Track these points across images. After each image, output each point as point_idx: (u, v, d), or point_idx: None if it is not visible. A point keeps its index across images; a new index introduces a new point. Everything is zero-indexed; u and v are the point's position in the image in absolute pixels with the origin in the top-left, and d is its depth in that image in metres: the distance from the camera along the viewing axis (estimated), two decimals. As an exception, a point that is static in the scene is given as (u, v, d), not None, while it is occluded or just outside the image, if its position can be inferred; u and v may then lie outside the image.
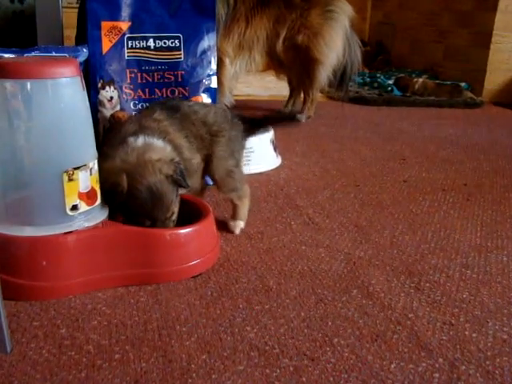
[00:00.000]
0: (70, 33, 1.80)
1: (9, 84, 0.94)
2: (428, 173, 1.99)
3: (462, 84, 4.08)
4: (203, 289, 1.08)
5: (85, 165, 1.03)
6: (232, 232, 1.34)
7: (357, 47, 2.95)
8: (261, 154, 1.83)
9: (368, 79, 4.37)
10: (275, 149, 1.95)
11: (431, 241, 1.37)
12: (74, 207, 1.03)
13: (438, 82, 4.07)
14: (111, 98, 1.50)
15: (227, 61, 2.52)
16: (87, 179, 1.04)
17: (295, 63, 2.74)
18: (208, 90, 1.61)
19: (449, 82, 4.06)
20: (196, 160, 1.30)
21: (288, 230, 1.38)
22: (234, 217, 1.37)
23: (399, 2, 5.38)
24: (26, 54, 1.31)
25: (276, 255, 1.24)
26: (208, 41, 1.61)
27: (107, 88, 1.50)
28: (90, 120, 1.07)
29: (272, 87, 4.03)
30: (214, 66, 1.61)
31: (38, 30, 1.65)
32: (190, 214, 1.24)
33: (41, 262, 1.01)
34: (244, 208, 1.37)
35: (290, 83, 3.07)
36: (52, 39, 1.66)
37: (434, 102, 3.75)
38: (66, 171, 1.00)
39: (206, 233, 1.16)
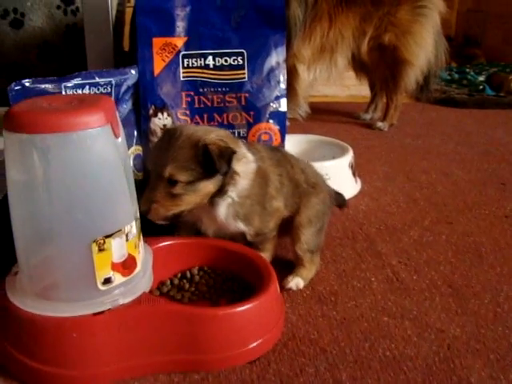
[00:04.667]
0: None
1: (25, 138, 0.76)
2: (535, 204, 1.68)
3: None
4: (260, 382, 0.87)
5: (119, 230, 0.84)
6: (285, 286, 1.13)
7: (443, 44, 2.64)
8: (338, 181, 1.58)
9: (456, 75, 3.99)
10: (354, 173, 1.71)
11: (548, 311, 1.09)
12: (107, 281, 0.85)
13: (538, 79, 3.63)
14: (164, 126, 1.30)
15: (303, 68, 2.28)
16: (122, 247, 0.86)
17: (380, 65, 2.47)
18: (276, 116, 1.38)
19: (550, 80, 3.62)
20: (277, 203, 1.12)
21: (368, 291, 1.15)
22: (297, 273, 1.15)
23: (492, -13, 4.89)
24: (63, 84, 1.14)
25: (352, 331, 1.01)
26: (277, 57, 1.37)
27: (160, 115, 1.31)
28: (128, 173, 0.88)
29: (351, 86, 3.74)
30: (282, 85, 1.38)
31: (86, 44, 1.48)
32: (251, 275, 1.04)
33: (68, 347, 0.84)
34: (310, 272, 1.17)
35: (371, 87, 2.79)
36: (101, 53, 1.48)
37: (534, 103, 3.34)
38: (96, 241, 0.81)
39: (268, 307, 0.95)
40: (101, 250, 0.82)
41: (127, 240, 0.87)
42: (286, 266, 1.18)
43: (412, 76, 2.52)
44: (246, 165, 1.07)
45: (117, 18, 1.73)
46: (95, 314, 0.84)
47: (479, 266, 1.27)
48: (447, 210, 1.60)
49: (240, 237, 1.13)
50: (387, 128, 2.60)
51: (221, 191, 1.05)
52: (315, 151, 1.80)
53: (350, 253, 1.31)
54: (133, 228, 0.88)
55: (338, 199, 1.39)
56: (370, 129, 2.63)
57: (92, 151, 0.79)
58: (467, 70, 4.12)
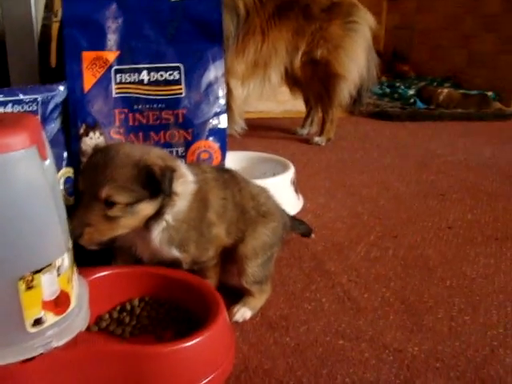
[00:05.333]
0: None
1: None
2: (473, 214, 1.70)
3: (489, 93, 3.79)
4: (214, 424, 0.79)
5: (49, 264, 0.75)
6: (230, 318, 1.03)
7: (374, 59, 2.68)
8: (280, 198, 1.52)
9: (387, 89, 4.09)
10: (296, 190, 1.67)
11: (498, 323, 1.08)
12: (37, 321, 0.75)
13: (463, 92, 3.78)
14: (96, 146, 1.20)
15: (237, 83, 2.23)
16: (54, 282, 0.76)
17: (313, 79, 2.48)
18: (216, 133, 1.31)
19: (475, 92, 3.78)
20: (217, 229, 1.04)
21: (320, 313, 1.10)
22: (244, 302, 1.08)
23: (417, 4, 5.08)
24: (-17, 102, 1.03)
25: (307, 357, 0.95)
26: (215, 71, 1.30)
27: (91, 134, 1.21)
28: (58, 199, 0.79)
29: (285, 101, 3.74)
30: (222, 101, 1.31)
31: (8, 60, 1.37)
32: (197, 304, 0.97)
33: (-10, 402, 0.73)
34: (259, 301, 1.10)
35: (306, 102, 2.79)
36: (25, 69, 1.37)
37: (462, 114, 3.47)
38: (23, 278, 0.72)
39: (218, 340, 0.87)
40: (29, 287, 0.73)
41: (59, 274, 0.77)
42: (233, 293, 1.10)
43: (345, 90, 2.54)
44: (184, 185, 0.99)
45: (42, 33, 1.62)
46: (24, 362, 0.74)
47: (429, 280, 1.25)
48: (391, 224, 1.59)
49: (177, 263, 1.04)
50: (324, 143, 2.60)
51: (157, 213, 0.97)
52: (255, 168, 1.75)
53: (298, 273, 1.26)
54: (65, 261, 0.79)
55: (301, 228, 1.34)
56: (308, 144, 2.62)
57: (15, 177, 0.70)
58: (397, 84, 4.23)
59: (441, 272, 1.29)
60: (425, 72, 4.75)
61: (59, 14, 1.70)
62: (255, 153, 1.87)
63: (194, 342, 0.82)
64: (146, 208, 0.94)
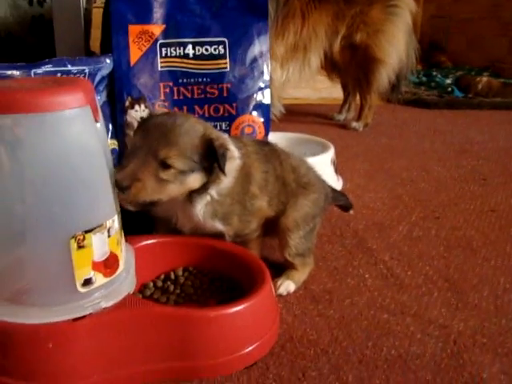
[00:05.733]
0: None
1: (-8, 120, 0.67)
2: (517, 198, 1.66)
3: (531, 82, 3.69)
4: (260, 388, 0.79)
5: (101, 225, 0.76)
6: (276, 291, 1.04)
7: (414, 44, 2.63)
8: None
9: (424, 78, 4.02)
10: (336, 170, 1.65)
11: (548, 302, 1.05)
12: (87, 282, 0.76)
13: (503, 81, 3.68)
14: (141, 118, 1.21)
15: (276, 66, 2.22)
16: (104, 243, 0.77)
17: (352, 64, 2.44)
18: (260, 107, 1.30)
19: (516, 81, 3.67)
20: (260, 202, 1.04)
21: (363, 288, 1.09)
22: (288, 275, 1.08)
23: (454, -7, 4.97)
24: (33, 70, 1.04)
25: (352, 329, 0.94)
26: (260, 46, 1.30)
27: (136, 107, 1.22)
28: (108, 161, 0.80)
29: (321, 88, 3.71)
30: (266, 76, 1.31)
31: (55, 37, 1.38)
32: (241, 274, 0.97)
33: (43, 358, 0.74)
34: (303, 275, 1.10)
35: (344, 88, 2.76)
36: (71, 47, 1.38)
37: (502, 103, 3.38)
38: (75, 236, 0.73)
39: (263, 307, 0.87)
40: (80, 247, 0.74)
41: (109, 236, 0.78)
42: (275, 267, 1.09)
43: (384, 74, 2.49)
44: (231, 162, 0.99)
45: (84, 17, 1.64)
46: (74, 320, 0.75)
47: (473, 260, 1.22)
48: (432, 206, 1.56)
49: (220, 236, 1.04)
50: (362, 128, 2.57)
51: (202, 188, 0.97)
52: (295, 149, 1.72)
53: (340, 250, 1.25)
54: (115, 222, 0.79)
55: (342, 200, 1.32)
56: (345, 129, 2.59)
57: (70, 135, 0.71)
58: (434, 73, 4.15)
59: (484, 252, 1.27)
60: (462, 62, 4.65)
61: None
62: (295, 134, 1.86)
63: (240, 307, 0.82)
64: (195, 180, 0.94)
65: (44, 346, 0.73)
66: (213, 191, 0.98)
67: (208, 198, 0.98)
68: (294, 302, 1.03)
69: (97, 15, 1.78)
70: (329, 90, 3.63)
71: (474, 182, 1.80)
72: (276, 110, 2.27)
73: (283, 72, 2.31)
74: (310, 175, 1.15)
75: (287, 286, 1.05)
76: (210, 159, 0.93)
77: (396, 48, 2.45)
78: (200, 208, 0.98)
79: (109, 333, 0.77)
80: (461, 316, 0.99)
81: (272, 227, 1.09)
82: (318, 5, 2.29)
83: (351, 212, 1.35)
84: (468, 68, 4.39)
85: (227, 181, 0.98)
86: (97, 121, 0.76)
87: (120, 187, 0.85)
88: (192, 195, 0.96)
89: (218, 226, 1.01)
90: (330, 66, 2.60)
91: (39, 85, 0.73)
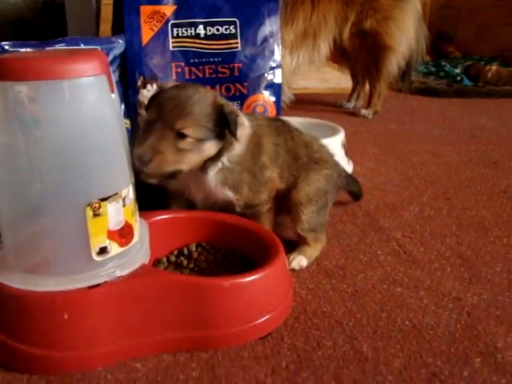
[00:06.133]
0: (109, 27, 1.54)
1: (8, 87, 0.68)
2: (529, 181, 1.65)
3: (541, 71, 3.66)
4: (275, 358, 0.80)
5: (116, 194, 0.76)
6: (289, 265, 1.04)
7: (423, 31, 2.61)
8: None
9: (433, 68, 3.99)
10: (346, 153, 1.65)
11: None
12: (103, 250, 0.77)
13: (513, 69, 3.65)
14: (154, 98, 1.21)
15: (286, 52, 2.21)
16: (119, 212, 0.78)
17: (362, 51, 2.43)
18: (271, 86, 1.31)
19: (526, 69, 3.64)
20: (270, 173, 1.05)
21: (375, 263, 1.09)
22: (300, 251, 1.08)
23: (463, -18, 4.93)
24: (47, 48, 1.05)
25: (366, 302, 0.94)
26: (270, 26, 1.30)
27: (149, 86, 1.22)
28: (123, 132, 0.80)
29: (329, 79, 3.71)
30: (277, 56, 1.31)
31: (67, 21, 1.39)
32: (254, 249, 0.97)
33: (60, 326, 0.75)
34: (315, 251, 1.10)
35: (353, 76, 2.75)
36: (83, 32, 1.39)
37: (511, 92, 3.34)
38: (90, 204, 0.73)
39: (277, 278, 0.88)
40: (96, 215, 0.74)
41: (124, 205, 0.79)
42: (288, 244, 1.09)
43: (394, 62, 2.48)
44: (242, 129, 1.00)
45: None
46: (90, 288, 0.75)
47: (485, 238, 1.22)
48: (443, 187, 1.56)
49: (231, 208, 1.05)
50: (371, 115, 2.56)
51: (216, 156, 0.98)
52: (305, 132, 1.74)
53: (352, 228, 1.25)
54: (130, 192, 0.80)
55: (354, 187, 1.32)
56: (354, 116, 2.59)
57: (86, 103, 0.71)
58: (443, 63, 4.13)
59: (497, 231, 1.26)
60: (471, 52, 4.62)
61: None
62: (304, 118, 1.85)
63: (254, 277, 0.83)
64: (211, 147, 0.95)
65: (61, 312, 0.74)
66: (224, 158, 0.99)
67: (220, 165, 0.99)
68: (307, 276, 1.03)
69: (106, 10, 1.79)
70: (337, 81, 3.63)
71: (484, 166, 1.79)
72: (285, 97, 2.27)
73: (293, 59, 2.31)
74: (323, 152, 1.16)
75: (299, 260, 1.05)
76: (222, 125, 0.94)
77: (406, 35, 2.43)
78: (212, 175, 1.00)
79: (124, 301, 0.77)
80: (474, 290, 0.99)
81: (284, 204, 1.09)
82: (328, -9, 2.28)
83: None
84: (477, 58, 4.36)
85: (238, 148, 0.99)
86: (112, 91, 0.77)
87: (142, 161, 0.87)
88: (206, 163, 0.98)
89: (229, 194, 1.02)
90: (340, 54, 2.59)
91: (54, 54, 0.73)
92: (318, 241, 1.10)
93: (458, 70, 3.81)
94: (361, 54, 2.46)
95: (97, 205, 0.74)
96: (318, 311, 0.91)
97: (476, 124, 2.47)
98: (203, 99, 0.94)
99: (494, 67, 3.64)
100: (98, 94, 0.73)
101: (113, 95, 0.77)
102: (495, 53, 4.36)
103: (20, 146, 0.71)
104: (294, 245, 1.10)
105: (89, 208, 0.73)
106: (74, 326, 0.76)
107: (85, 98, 0.71)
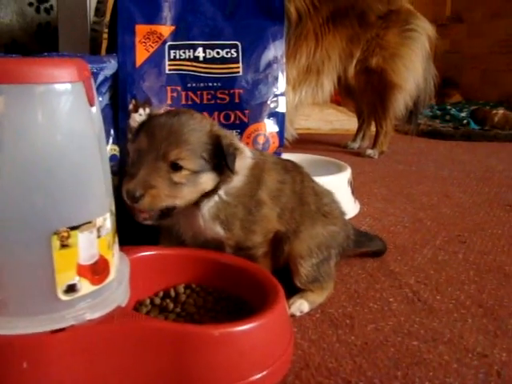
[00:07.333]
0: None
1: (-33, 91, 0.58)
2: (547, 225, 1.54)
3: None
4: (271, 423, 0.67)
5: (89, 222, 0.65)
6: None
7: (432, 72, 2.55)
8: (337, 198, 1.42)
9: (438, 112, 3.94)
10: (353, 192, 1.54)
11: None
12: (71, 288, 0.65)
13: (520, 114, 3.59)
14: (146, 123, 1.12)
15: (288, 89, 2.13)
16: (93, 244, 0.66)
17: (368, 89, 2.36)
18: (274, 115, 1.21)
19: (532, 114, 3.58)
20: (267, 210, 0.94)
21: (387, 312, 0.96)
22: (302, 296, 0.96)
23: (467, 29, 4.96)
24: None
25: (377, 357, 0.82)
26: (275, 50, 1.21)
27: (141, 110, 1.12)
28: (103, 153, 0.69)
29: (333, 120, 3.65)
30: (282, 83, 1.21)
31: (60, 44, 1.31)
32: (250, 292, 0.85)
33: (17, 377, 0.62)
34: (319, 297, 0.98)
35: (359, 115, 2.68)
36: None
37: (519, 136, 3.28)
38: (57, 232, 0.62)
39: (276, 327, 0.75)
40: (64, 245, 0.63)
41: (99, 236, 0.67)
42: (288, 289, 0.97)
43: (401, 100, 2.41)
44: (241, 160, 0.91)
45: (92, 37, 1.57)
46: (54, 332, 0.63)
47: (507, 285, 1.10)
48: (457, 230, 1.44)
49: (222, 249, 0.94)
50: (377, 155, 2.48)
51: (213, 190, 0.88)
52: (311, 170, 1.63)
53: (360, 272, 1.13)
54: (107, 222, 0.69)
55: (371, 245, 1.20)
56: (360, 156, 2.50)
57: (58, 112, 0.61)
58: (448, 107, 4.09)
59: (520, 278, 1.14)
60: (476, 97, 4.60)
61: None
62: (310, 155, 1.77)
63: (249, 326, 0.71)
64: (208, 181, 0.86)
65: (17, 361, 0.62)
66: (221, 191, 0.89)
67: (216, 198, 0.89)
68: (309, 325, 0.91)
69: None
70: (340, 122, 3.57)
71: (499, 208, 1.68)
72: (288, 134, 2.18)
73: (295, 95, 2.23)
74: (334, 207, 1.06)
75: (300, 305, 0.94)
76: (219, 157, 0.84)
77: (413, 73, 2.37)
78: (206, 210, 0.89)
79: (94, 350, 0.65)
80: (502, 344, 0.87)
81: (282, 253, 0.98)
82: (333, 27, 2.23)
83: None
84: (483, 103, 4.32)
85: (237, 179, 0.89)
86: (91, 104, 0.67)
87: (132, 197, 0.79)
88: (201, 197, 0.88)
89: (219, 230, 0.91)
90: (345, 92, 2.53)
91: (25, 58, 0.64)
92: (323, 289, 0.98)
93: (463, 114, 3.76)
94: (366, 91, 2.39)
95: (65, 234, 0.62)
96: (323, 367, 0.78)
97: (485, 166, 2.37)
98: (199, 126, 0.85)
99: (501, 111, 3.58)
100: (72, 104, 0.62)
101: (93, 109, 0.67)
102: (500, 98, 4.33)
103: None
104: (295, 289, 0.98)
105: (55, 237, 0.62)
106: (34, 377, 0.63)
107: (57, 106, 0.61)
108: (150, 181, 0.81)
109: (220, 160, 0.85)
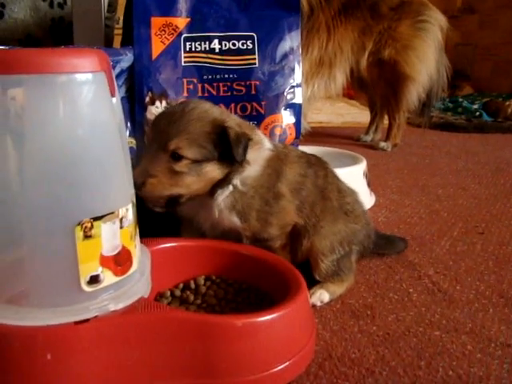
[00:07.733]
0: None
1: (-10, 81, 0.58)
2: None
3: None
4: (296, 414, 0.67)
5: (112, 212, 0.65)
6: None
7: (445, 64, 2.52)
8: (353, 189, 1.41)
9: (450, 104, 3.91)
10: (369, 184, 1.54)
11: None
12: (94, 279, 0.65)
13: (533, 105, 3.55)
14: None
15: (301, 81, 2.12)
16: (116, 235, 0.66)
17: (380, 81, 2.34)
18: (291, 107, 1.20)
19: (546, 105, 3.55)
20: (286, 203, 0.93)
21: (408, 303, 0.96)
22: (322, 286, 0.96)
23: (479, 20, 4.90)
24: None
25: (400, 347, 0.81)
26: (291, 41, 1.20)
27: (157, 103, 1.12)
28: (124, 144, 0.69)
29: (344, 113, 3.63)
30: (298, 74, 1.21)
31: (75, 39, 1.31)
32: (271, 284, 0.85)
33: (41, 368, 0.62)
34: (339, 288, 0.98)
35: (371, 107, 2.66)
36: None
37: (533, 127, 3.24)
38: (81, 223, 0.62)
39: (299, 318, 0.75)
40: (87, 236, 0.63)
41: (121, 227, 0.67)
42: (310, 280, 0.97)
43: (414, 92, 2.39)
44: (259, 151, 0.91)
45: (104, 33, 1.56)
46: (77, 323, 0.63)
47: (528, 276, 1.09)
48: (474, 221, 1.43)
49: (240, 240, 0.94)
50: (390, 148, 2.46)
51: (225, 180, 0.88)
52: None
53: (379, 263, 1.13)
54: (129, 212, 0.69)
55: (390, 248, 1.18)
56: (373, 149, 2.48)
57: (80, 102, 0.61)
58: (460, 99, 4.05)
59: (540, 269, 1.13)
60: (487, 89, 4.55)
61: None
62: (325, 147, 1.76)
63: (272, 316, 0.70)
64: (213, 170, 0.85)
65: (42, 351, 0.62)
66: (236, 180, 0.89)
67: (231, 188, 0.89)
68: (331, 317, 0.90)
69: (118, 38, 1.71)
70: (353, 115, 3.55)
71: (515, 199, 1.67)
72: (301, 127, 2.16)
73: (308, 88, 2.22)
74: (356, 206, 1.05)
75: (320, 295, 0.93)
76: (225, 146, 0.84)
77: (426, 65, 2.35)
78: (221, 200, 0.89)
79: (117, 340, 0.65)
80: (524, 335, 0.86)
81: (301, 246, 0.98)
82: (344, 19, 2.21)
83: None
84: (495, 94, 4.28)
85: (252, 169, 0.89)
86: (113, 95, 0.66)
87: (135, 185, 0.78)
88: (215, 188, 0.88)
89: (235, 220, 0.91)
90: (357, 84, 2.51)
91: (46, 49, 0.63)
92: (343, 281, 0.98)
93: (475, 106, 3.73)
94: (379, 84, 2.37)
95: (88, 224, 0.62)
96: (346, 357, 0.78)
97: (500, 158, 2.35)
98: (202, 116, 0.85)
99: (514, 102, 3.55)
100: (94, 94, 0.62)
101: (114, 99, 0.67)
102: (512, 89, 4.28)
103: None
104: (313, 280, 0.97)
105: (79, 228, 0.62)
106: (58, 368, 0.63)
107: (79, 96, 0.60)
108: (149, 170, 0.82)
109: (227, 149, 0.84)
